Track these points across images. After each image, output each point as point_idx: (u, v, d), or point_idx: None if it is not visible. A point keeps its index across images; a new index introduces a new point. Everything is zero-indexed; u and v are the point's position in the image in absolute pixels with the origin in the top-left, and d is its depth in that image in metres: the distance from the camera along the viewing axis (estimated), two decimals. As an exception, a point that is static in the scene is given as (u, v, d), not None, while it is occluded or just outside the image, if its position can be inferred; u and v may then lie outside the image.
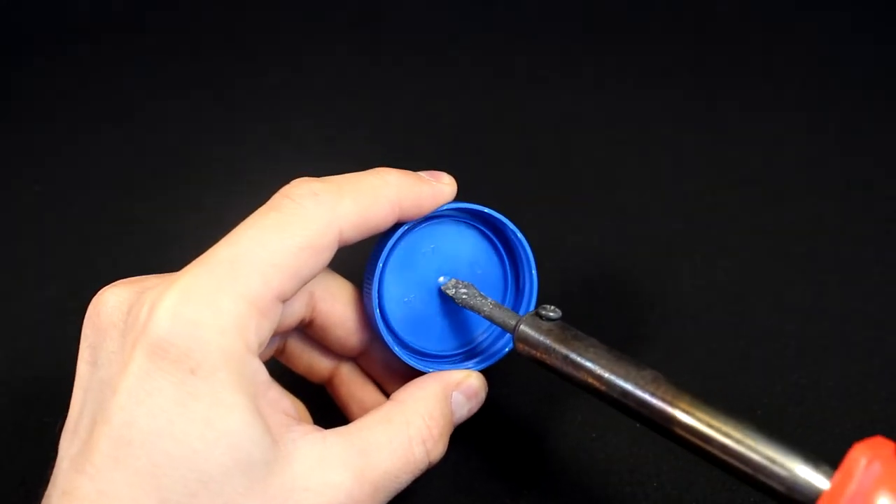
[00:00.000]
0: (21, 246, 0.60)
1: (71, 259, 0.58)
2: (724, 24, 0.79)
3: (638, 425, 0.43)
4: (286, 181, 0.36)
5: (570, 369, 0.36)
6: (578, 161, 0.64)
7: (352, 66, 0.77)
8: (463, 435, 0.45)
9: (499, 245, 0.43)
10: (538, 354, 0.37)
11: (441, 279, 0.41)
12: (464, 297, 0.40)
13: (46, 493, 0.32)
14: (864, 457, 0.28)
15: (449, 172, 0.40)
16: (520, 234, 0.41)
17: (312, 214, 0.34)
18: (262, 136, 0.69)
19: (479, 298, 0.40)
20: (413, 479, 0.36)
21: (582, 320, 0.50)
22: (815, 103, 0.68)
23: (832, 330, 0.49)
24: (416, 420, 0.37)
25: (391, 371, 0.42)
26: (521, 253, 0.42)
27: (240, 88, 0.75)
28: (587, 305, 0.52)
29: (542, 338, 0.37)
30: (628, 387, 0.34)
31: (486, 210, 0.40)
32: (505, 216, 0.41)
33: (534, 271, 0.42)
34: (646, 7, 0.82)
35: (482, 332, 0.43)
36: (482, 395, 0.41)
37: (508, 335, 0.41)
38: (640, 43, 0.77)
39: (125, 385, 0.31)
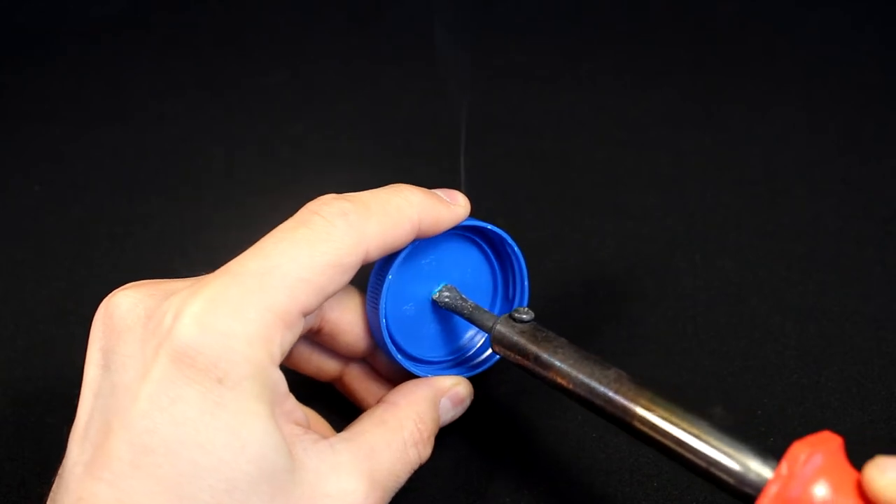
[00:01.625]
0: (21, 246, 0.60)
1: (71, 259, 0.58)
2: (724, 24, 0.79)
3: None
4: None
5: (540, 369, 0.38)
6: (578, 161, 0.64)
7: (352, 66, 0.77)
8: (463, 435, 0.45)
9: (492, 257, 0.44)
10: (512, 355, 0.39)
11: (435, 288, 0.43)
12: (447, 300, 0.42)
13: (56, 498, 0.32)
14: (803, 452, 0.30)
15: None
16: (517, 249, 0.43)
17: (342, 234, 0.34)
18: (262, 136, 0.69)
19: (460, 301, 0.42)
20: (409, 476, 0.38)
21: (582, 320, 0.51)
22: (815, 103, 0.68)
23: (832, 330, 0.49)
24: (409, 424, 0.38)
25: (397, 370, 0.43)
26: (516, 266, 0.43)
27: (240, 88, 0.75)
28: (587, 305, 0.52)
29: (515, 338, 0.39)
30: (593, 384, 0.36)
31: (490, 227, 0.42)
32: (504, 231, 0.42)
33: (525, 283, 0.44)
34: (646, 7, 0.82)
35: (474, 339, 0.45)
36: (467, 403, 0.42)
37: None
38: (640, 43, 0.77)
39: (147, 391, 0.31)
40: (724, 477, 0.32)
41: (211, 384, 0.31)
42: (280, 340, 0.33)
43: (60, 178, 0.66)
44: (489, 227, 0.41)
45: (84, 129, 0.71)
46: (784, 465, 0.30)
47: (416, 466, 0.38)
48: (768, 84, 0.70)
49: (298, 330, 0.34)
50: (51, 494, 0.32)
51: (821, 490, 0.29)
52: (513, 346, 0.39)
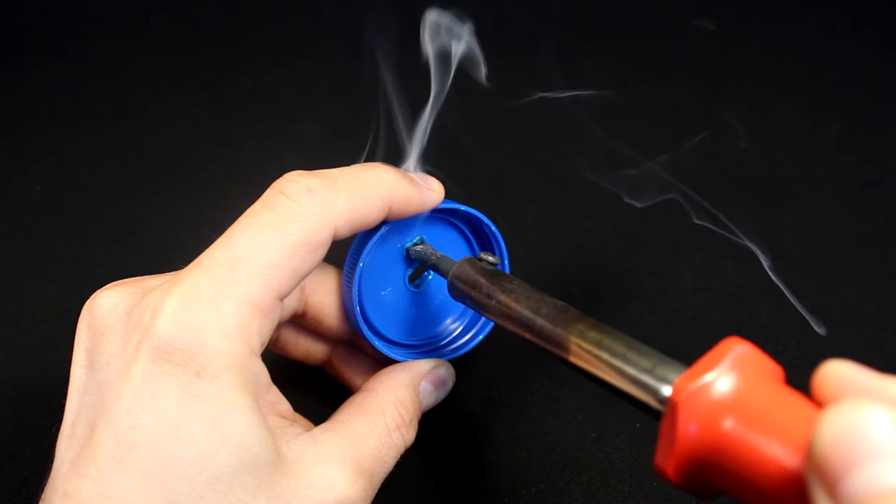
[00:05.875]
0: (21, 246, 0.60)
1: (71, 259, 0.58)
2: (724, 24, 0.79)
3: (638, 425, 0.43)
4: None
5: (491, 302, 0.37)
6: (578, 161, 0.64)
7: (351, 66, 0.76)
8: (462, 434, 0.45)
9: (474, 242, 0.44)
10: (466, 290, 0.38)
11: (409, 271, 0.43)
12: (418, 251, 0.41)
13: (45, 496, 0.32)
14: (711, 356, 0.29)
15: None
16: (495, 230, 0.43)
17: (308, 212, 0.34)
18: (262, 136, 0.69)
19: (429, 252, 0.41)
20: (396, 461, 0.37)
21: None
22: (815, 103, 0.68)
23: (832, 330, 0.49)
24: (390, 409, 0.38)
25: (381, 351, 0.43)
26: (496, 249, 0.43)
27: (240, 89, 0.75)
28: (588, 305, 0.52)
29: (472, 275, 0.38)
30: (535, 317, 0.35)
31: (464, 208, 0.41)
32: (483, 214, 0.42)
33: (506, 265, 0.43)
34: (646, 6, 0.82)
35: (452, 322, 0.45)
36: (450, 384, 0.42)
37: (477, 328, 0.44)
38: (640, 42, 0.77)
39: (128, 388, 0.31)
40: (647, 398, 0.30)
41: (189, 378, 0.31)
42: (258, 329, 0.33)
43: (60, 178, 0.66)
44: (463, 208, 0.41)
45: (84, 129, 0.71)
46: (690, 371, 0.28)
47: (402, 450, 0.38)
48: (768, 84, 0.70)
49: (276, 316, 0.34)
50: (42, 494, 0.32)
51: (723, 383, 0.28)
52: (467, 283, 0.38)
